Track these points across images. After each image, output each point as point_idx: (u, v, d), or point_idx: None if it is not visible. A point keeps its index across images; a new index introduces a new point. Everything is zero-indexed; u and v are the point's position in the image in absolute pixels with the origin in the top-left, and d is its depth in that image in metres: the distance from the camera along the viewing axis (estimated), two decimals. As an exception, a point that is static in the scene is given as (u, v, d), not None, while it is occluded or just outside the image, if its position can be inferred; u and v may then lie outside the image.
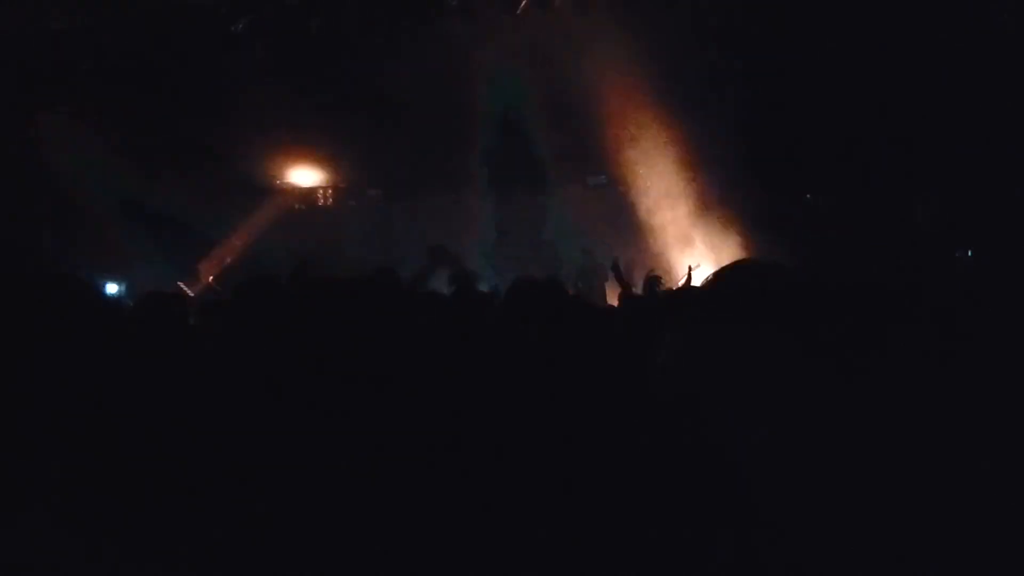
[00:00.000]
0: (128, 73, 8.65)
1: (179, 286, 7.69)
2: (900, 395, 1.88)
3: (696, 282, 7.29)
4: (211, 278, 8.62)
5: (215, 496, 1.89)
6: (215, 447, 1.93)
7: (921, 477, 1.77)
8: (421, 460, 1.97)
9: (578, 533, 1.86)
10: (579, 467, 1.94)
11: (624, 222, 9.26)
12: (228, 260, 9.37)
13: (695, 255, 8.34)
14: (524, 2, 8.11)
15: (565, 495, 1.92)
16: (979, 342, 1.97)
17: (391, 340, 2.26)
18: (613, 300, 6.96)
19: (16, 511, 1.58)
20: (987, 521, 1.72)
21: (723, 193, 8.91)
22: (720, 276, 1.99)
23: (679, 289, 5.47)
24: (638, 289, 6.54)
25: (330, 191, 10.82)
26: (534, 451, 2.00)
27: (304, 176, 10.41)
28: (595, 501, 1.89)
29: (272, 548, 1.86)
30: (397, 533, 1.89)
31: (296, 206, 10.59)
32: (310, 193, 10.75)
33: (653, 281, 6.28)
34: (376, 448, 1.99)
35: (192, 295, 7.45)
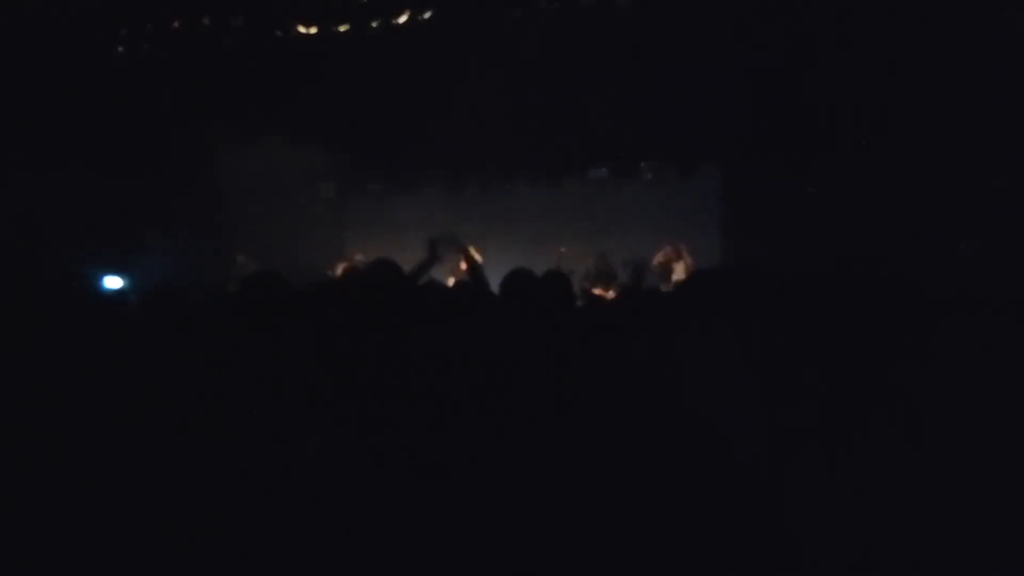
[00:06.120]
0: (127, 67, 8.65)
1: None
2: (892, 394, 1.87)
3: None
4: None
5: (221, 495, 1.89)
6: (220, 446, 1.93)
7: (912, 474, 1.76)
8: (424, 454, 1.97)
9: (576, 528, 1.86)
10: (577, 463, 1.94)
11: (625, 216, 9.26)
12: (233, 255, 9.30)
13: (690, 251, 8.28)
14: None
15: (566, 491, 1.91)
16: (977, 337, 1.97)
17: (393, 332, 2.25)
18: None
19: (15, 510, 1.58)
20: (986, 520, 1.72)
21: (720, 185, 8.92)
22: (698, 280, 2.00)
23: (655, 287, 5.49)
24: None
25: (331, 184, 10.79)
26: (532, 444, 2.00)
27: (306, 170, 10.37)
28: (594, 497, 1.89)
29: (277, 547, 1.87)
30: (400, 530, 1.89)
31: (297, 200, 10.55)
32: (311, 187, 10.72)
33: (639, 269, 6.26)
34: (381, 443, 1.99)
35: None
